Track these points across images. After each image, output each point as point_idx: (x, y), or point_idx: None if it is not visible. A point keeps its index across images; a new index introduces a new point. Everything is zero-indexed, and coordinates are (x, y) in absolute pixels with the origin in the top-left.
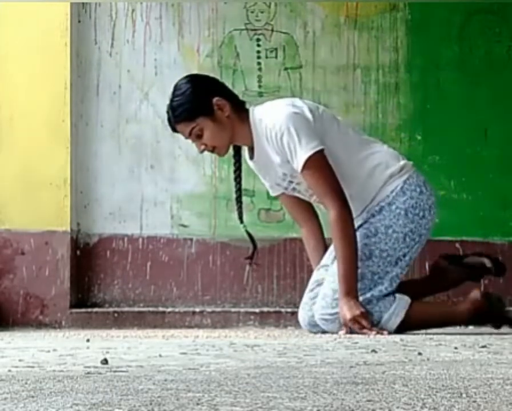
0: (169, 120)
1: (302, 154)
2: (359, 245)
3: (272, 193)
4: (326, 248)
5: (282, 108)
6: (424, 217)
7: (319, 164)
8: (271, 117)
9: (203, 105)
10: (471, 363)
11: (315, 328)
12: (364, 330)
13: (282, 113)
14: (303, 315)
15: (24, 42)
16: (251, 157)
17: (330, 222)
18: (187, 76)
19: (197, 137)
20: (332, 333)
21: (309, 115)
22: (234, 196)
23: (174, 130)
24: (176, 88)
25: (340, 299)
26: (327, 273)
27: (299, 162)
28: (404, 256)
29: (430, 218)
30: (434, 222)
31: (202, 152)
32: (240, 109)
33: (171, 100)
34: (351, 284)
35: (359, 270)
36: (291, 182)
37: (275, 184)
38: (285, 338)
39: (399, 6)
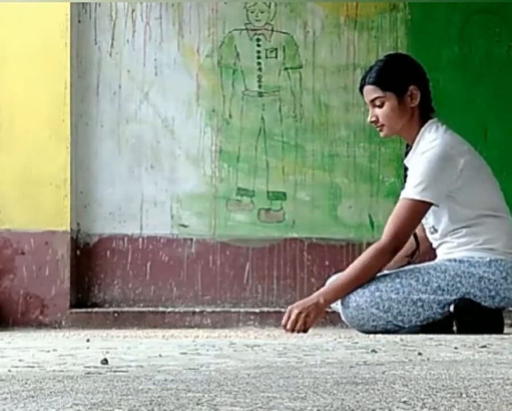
0: (364, 76)
1: (410, 189)
2: (423, 266)
3: None
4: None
5: (446, 141)
6: (493, 298)
7: (414, 211)
8: (434, 139)
9: (400, 85)
10: (471, 363)
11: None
12: (287, 325)
13: (441, 145)
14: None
15: (24, 42)
16: (405, 154)
17: (374, 245)
18: (404, 55)
19: (376, 106)
20: (353, 322)
21: (458, 166)
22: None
23: (361, 88)
24: (391, 56)
25: (315, 295)
26: (385, 275)
27: (403, 191)
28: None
29: (498, 305)
30: (499, 315)
31: (370, 122)
32: (424, 110)
33: (380, 61)
34: (333, 296)
35: (410, 286)
36: None
37: None
38: (285, 338)
39: (399, 6)
